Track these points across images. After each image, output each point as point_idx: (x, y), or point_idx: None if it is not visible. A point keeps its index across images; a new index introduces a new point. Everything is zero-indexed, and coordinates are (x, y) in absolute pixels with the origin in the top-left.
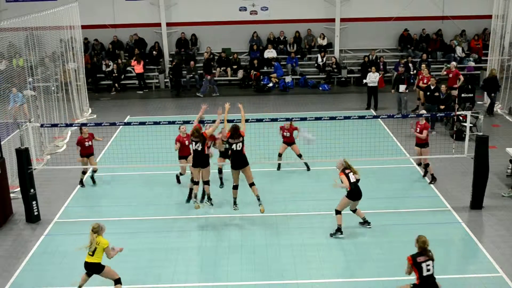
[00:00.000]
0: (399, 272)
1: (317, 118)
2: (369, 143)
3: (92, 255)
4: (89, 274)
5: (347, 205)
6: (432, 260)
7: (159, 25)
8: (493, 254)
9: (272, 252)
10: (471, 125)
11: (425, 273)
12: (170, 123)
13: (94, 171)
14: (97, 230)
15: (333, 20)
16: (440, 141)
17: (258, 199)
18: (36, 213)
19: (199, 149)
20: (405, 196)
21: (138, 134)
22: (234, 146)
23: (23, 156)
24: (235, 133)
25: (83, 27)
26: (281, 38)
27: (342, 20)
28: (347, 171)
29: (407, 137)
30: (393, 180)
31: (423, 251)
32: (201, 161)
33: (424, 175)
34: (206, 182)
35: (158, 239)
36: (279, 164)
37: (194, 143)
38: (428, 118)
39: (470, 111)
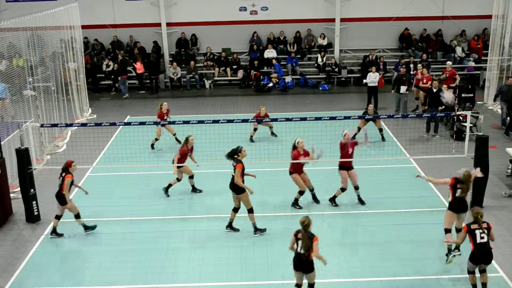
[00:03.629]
0: (399, 272)
1: (317, 118)
2: None
3: None
4: None
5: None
6: (487, 229)
7: (159, 25)
8: (493, 254)
9: (272, 252)
10: (471, 125)
11: (479, 240)
12: (170, 123)
13: None
14: None
15: (333, 20)
16: (440, 141)
17: (254, 228)
18: (36, 213)
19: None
20: (405, 196)
21: (138, 134)
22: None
23: (23, 156)
24: (229, 156)
25: (83, 27)
26: (281, 38)
27: (342, 20)
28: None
29: (407, 137)
30: (393, 180)
31: (475, 220)
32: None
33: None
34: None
35: (158, 239)
36: None
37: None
38: (430, 121)
39: (470, 111)
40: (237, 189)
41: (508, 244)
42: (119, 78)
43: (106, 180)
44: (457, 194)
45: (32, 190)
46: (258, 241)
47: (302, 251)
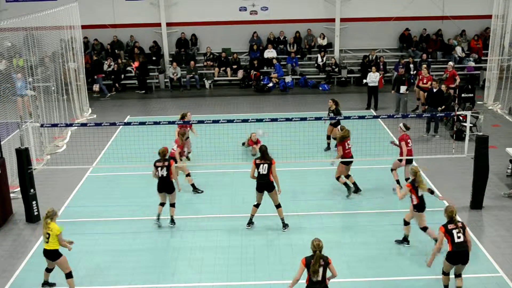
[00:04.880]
0: (399, 272)
1: (317, 118)
2: (369, 143)
3: (48, 242)
4: (48, 270)
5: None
6: (462, 228)
7: (159, 25)
8: (493, 254)
9: (272, 252)
10: (471, 125)
11: (456, 240)
12: (170, 123)
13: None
14: (51, 215)
15: (333, 20)
16: (440, 141)
17: (283, 222)
18: (36, 213)
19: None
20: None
21: (138, 134)
22: (260, 169)
23: (23, 156)
24: (264, 155)
25: (83, 27)
26: (281, 38)
27: (342, 20)
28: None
29: None
30: (393, 180)
31: (451, 220)
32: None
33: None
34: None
35: (158, 239)
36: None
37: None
38: (430, 121)
39: (470, 111)
40: (270, 187)
41: (508, 244)
42: (95, 77)
43: (106, 180)
44: (419, 194)
45: (32, 190)
46: (258, 241)
47: (320, 279)
